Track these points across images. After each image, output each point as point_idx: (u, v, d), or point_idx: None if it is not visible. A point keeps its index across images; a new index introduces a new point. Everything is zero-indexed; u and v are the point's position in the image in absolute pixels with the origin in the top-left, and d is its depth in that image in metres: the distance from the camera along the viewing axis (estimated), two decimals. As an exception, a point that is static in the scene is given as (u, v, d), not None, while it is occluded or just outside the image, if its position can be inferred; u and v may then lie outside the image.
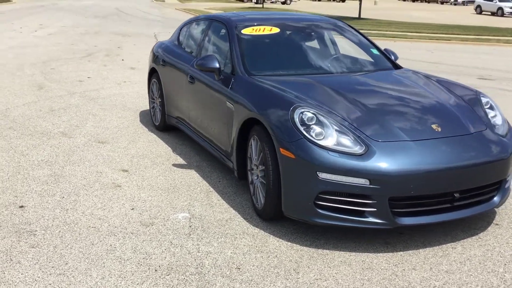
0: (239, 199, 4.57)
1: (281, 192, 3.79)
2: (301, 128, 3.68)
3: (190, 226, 4.05)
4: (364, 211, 3.58)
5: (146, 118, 7.18)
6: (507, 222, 4.19)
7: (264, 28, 5.09)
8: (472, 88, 4.71)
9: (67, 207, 4.36)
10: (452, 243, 3.84)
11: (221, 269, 3.45)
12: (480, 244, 3.83)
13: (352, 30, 5.58)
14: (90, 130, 6.64)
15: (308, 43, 5.23)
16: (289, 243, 3.81)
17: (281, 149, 3.73)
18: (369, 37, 5.82)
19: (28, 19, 24.41)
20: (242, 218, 4.19)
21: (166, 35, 15.25)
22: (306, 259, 3.59)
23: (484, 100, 4.39)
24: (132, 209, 4.35)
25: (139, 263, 3.51)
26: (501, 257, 3.66)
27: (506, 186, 4.00)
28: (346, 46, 5.44)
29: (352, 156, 3.54)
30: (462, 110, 4.17)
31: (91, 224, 4.07)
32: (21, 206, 4.37)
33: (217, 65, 4.73)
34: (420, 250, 3.74)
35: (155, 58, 6.60)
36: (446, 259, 3.61)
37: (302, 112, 3.77)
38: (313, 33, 5.37)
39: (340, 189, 3.55)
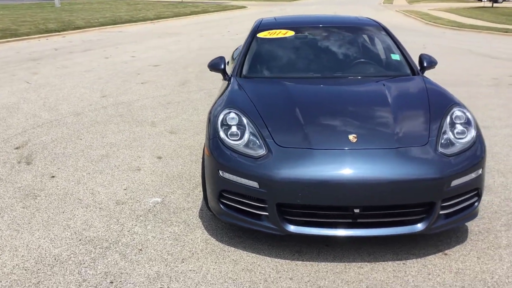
0: (218, 193, 4.82)
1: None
2: (220, 128, 3.83)
3: (148, 210, 4.49)
4: (260, 214, 3.59)
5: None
6: (459, 255, 3.68)
7: (280, 32, 5.20)
8: (453, 99, 4.13)
9: (81, 181, 5.17)
10: (364, 263, 3.58)
11: (126, 248, 3.83)
12: (391, 270, 3.48)
13: (384, 34, 5.28)
14: (176, 122, 7.44)
15: (322, 47, 5.15)
16: (210, 237, 3.99)
17: (204, 147, 3.94)
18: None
19: (243, 24, 26.76)
20: (199, 210, 4.47)
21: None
22: (206, 252, 3.75)
23: (458, 114, 3.87)
24: (125, 189, 4.96)
25: (75, 232, 4.10)
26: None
27: (443, 212, 3.52)
28: (369, 51, 5.20)
29: (249, 158, 3.59)
30: (409, 124, 3.79)
31: (81, 196, 4.79)
32: (53, 176, 5.32)
33: (222, 67, 5.05)
34: (322, 263, 3.58)
35: None
36: (336, 277, 3.41)
37: (227, 113, 3.91)
38: (331, 38, 5.25)
39: (238, 190, 3.62)
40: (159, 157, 5.88)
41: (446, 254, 3.69)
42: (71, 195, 4.83)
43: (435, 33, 23.23)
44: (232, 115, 3.89)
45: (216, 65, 5.12)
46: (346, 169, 3.41)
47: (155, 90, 9.77)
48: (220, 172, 3.67)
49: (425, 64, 5.04)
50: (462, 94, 9.31)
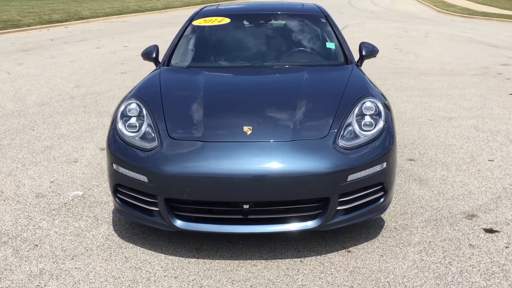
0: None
1: (111, 182, 3.84)
2: (119, 119, 3.67)
3: (65, 204, 4.35)
4: (152, 210, 3.43)
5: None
6: (362, 253, 3.46)
7: (215, 19, 5.00)
8: (368, 90, 3.88)
9: (13, 173, 5.06)
10: (260, 261, 3.39)
11: (23, 244, 3.70)
12: (285, 268, 3.29)
13: (324, 22, 5.04)
14: (137, 112, 7.30)
15: (256, 35, 4.93)
16: (113, 232, 3.84)
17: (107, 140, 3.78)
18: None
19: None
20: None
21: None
22: (101, 249, 3.60)
23: (368, 105, 3.62)
24: (51, 182, 4.84)
25: (-19, 226, 3.99)
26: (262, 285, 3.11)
27: (342, 208, 3.31)
28: (304, 39, 4.96)
29: (141, 151, 3.42)
30: (313, 115, 3.57)
31: (5, 189, 4.68)
32: (-13, 169, 5.23)
33: (154, 55, 4.89)
34: (217, 261, 3.41)
35: None
36: (224, 276, 3.23)
37: (129, 103, 3.75)
38: (268, 25, 5.03)
39: (131, 185, 3.46)
40: (102, 149, 5.75)
41: (349, 251, 3.48)
42: (-5, 188, 4.73)
43: (444, 21, 22.69)
44: (133, 105, 3.72)
45: (148, 54, 4.95)
46: (236, 163, 3.22)
47: (131, 80, 9.64)
48: (114, 166, 3.51)
49: (364, 53, 4.80)
50: (442, 83, 8.99)
